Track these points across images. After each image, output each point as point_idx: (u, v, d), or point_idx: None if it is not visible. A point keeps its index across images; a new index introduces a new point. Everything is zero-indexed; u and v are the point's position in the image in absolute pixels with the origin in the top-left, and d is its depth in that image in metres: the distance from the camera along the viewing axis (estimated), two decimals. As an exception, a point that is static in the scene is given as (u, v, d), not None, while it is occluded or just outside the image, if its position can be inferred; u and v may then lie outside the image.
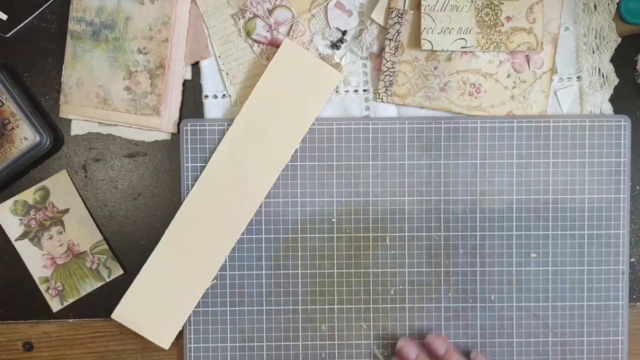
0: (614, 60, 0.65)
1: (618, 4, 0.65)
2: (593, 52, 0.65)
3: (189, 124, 0.64)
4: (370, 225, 0.65)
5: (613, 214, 0.65)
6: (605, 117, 0.65)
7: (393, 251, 0.65)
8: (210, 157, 0.64)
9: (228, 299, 0.65)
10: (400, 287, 0.65)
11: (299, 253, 0.65)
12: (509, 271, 0.65)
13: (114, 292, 0.66)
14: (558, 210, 0.65)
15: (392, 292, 0.65)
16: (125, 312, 0.64)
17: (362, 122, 0.65)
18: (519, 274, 0.65)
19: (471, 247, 0.65)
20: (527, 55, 0.65)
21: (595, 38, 0.65)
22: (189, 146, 0.65)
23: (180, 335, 0.65)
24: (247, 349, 0.65)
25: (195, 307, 0.64)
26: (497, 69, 0.65)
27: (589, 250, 0.65)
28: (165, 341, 0.64)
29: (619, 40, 0.65)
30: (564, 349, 0.65)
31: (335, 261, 0.65)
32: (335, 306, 0.65)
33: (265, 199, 0.64)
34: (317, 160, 0.65)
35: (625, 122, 0.65)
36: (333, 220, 0.65)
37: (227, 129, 0.64)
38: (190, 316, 0.65)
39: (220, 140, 0.64)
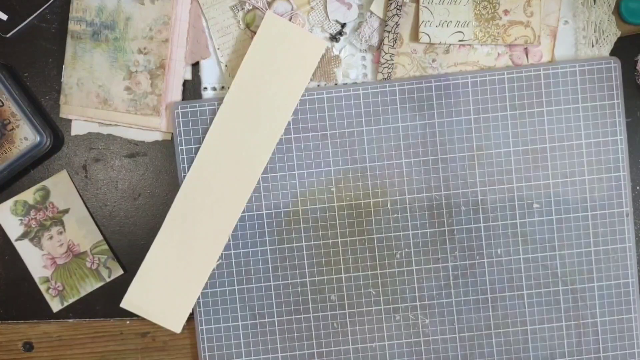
0: (613, 59, 0.65)
1: (618, 2, 0.64)
2: (592, 46, 0.65)
3: (179, 107, 0.64)
4: (370, 191, 0.65)
5: (612, 156, 0.65)
6: (595, 60, 0.64)
7: (395, 215, 0.65)
8: (204, 137, 0.64)
9: (235, 278, 0.65)
10: (406, 250, 0.65)
11: (301, 225, 0.65)
12: (512, 224, 0.65)
13: (114, 292, 0.66)
14: (557, 158, 0.65)
15: (397, 255, 0.65)
16: (134, 300, 0.64)
17: (352, 88, 0.64)
18: (523, 225, 0.65)
19: (473, 204, 0.65)
20: (525, 48, 0.64)
21: (595, 31, 0.65)
22: (182, 129, 0.64)
23: (191, 318, 0.65)
24: (259, 325, 0.65)
25: (203, 289, 0.64)
26: (495, 62, 0.65)
27: (591, 195, 0.65)
28: (176, 325, 0.64)
29: (619, 33, 0.64)
30: (575, 296, 0.65)
31: (338, 230, 0.65)
32: (343, 275, 0.65)
33: (262, 174, 0.64)
34: (310, 131, 0.65)
35: (615, 64, 0.64)
36: (332, 189, 0.65)
37: (218, 108, 0.64)
38: (199, 298, 0.65)
39: (212, 120, 0.64)
